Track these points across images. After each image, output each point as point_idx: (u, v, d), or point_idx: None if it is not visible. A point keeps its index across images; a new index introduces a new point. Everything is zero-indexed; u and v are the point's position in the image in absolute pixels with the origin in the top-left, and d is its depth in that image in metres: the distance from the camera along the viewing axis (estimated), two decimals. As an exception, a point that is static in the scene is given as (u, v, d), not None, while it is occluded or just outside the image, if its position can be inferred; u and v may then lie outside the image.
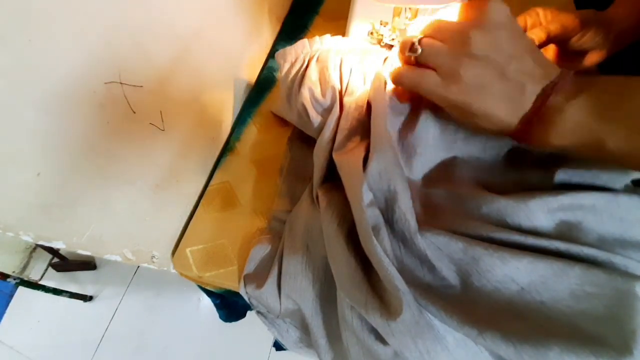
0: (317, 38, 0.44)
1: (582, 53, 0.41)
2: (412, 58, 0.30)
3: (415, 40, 0.30)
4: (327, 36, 0.45)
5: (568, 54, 0.40)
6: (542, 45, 0.38)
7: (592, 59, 0.41)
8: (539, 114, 0.27)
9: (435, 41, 0.29)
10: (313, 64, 0.42)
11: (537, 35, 0.37)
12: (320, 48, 0.43)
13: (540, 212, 0.29)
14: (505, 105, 0.28)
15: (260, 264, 0.41)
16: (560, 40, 0.38)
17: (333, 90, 0.40)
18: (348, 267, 0.32)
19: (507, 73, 0.27)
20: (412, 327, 0.26)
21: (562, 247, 0.27)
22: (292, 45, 0.44)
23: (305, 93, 0.41)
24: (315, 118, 0.41)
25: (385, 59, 0.41)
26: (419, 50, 0.29)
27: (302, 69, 0.43)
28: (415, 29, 0.32)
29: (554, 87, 0.27)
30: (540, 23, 0.39)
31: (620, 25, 0.40)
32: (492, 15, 0.27)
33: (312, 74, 0.42)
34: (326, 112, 0.41)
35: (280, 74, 0.44)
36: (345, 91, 0.41)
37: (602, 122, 0.25)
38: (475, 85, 0.28)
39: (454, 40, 0.28)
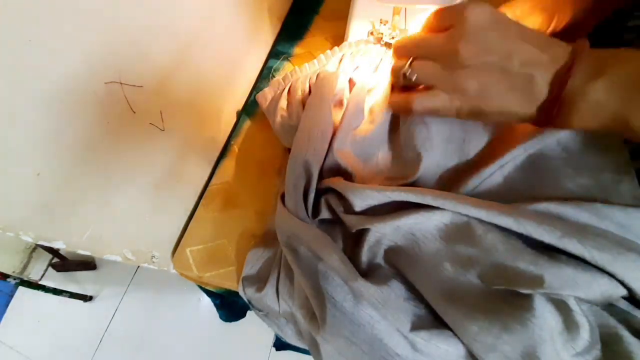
0: (288, 73, 0.47)
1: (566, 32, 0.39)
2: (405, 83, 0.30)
3: (406, 66, 0.29)
4: (312, 62, 0.47)
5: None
6: None
7: (574, 36, 0.39)
8: (558, 97, 0.26)
9: (426, 62, 0.29)
10: (284, 93, 0.47)
11: None
12: (291, 79, 0.47)
13: None
14: (516, 98, 0.27)
15: (260, 266, 0.41)
16: None
17: (298, 112, 0.43)
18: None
19: (509, 69, 0.27)
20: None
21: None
22: (269, 85, 0.48)
23: (278, 119, 0.46)
24: (290, 139, 0.44)
25: (369, 90, 0.42)
26: (414, 77, 0.29)
27: (276, 101, 0.47)
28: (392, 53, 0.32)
29: (570, 69, 0.26)
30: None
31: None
32: (473, 19, 0.26)
33: (282, 102, 0.46)
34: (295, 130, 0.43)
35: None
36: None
37: (625, 101, 0.25)
38: (479, 90, 0.27)
39: (443, 55, 0.28)
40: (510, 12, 0.38)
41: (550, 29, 0.37)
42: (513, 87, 0.27)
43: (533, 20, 0.37)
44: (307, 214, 0.36)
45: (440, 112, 0.30)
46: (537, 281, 0.25)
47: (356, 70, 0.44)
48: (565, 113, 0.26)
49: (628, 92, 0.25)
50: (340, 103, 0.42)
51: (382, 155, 0.38)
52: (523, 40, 0.27)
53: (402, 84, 0.31)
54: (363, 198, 0.32)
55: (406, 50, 0.30)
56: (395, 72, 0.31)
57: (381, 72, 0.43)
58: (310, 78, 0.45)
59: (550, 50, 0.26)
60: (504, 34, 0.27)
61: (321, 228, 0.35)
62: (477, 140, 0.35)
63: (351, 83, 0.43)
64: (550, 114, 0.27)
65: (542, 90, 0.27)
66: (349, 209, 0.34)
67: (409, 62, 0.29)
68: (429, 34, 0.29)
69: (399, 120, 0.38)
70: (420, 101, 0.30)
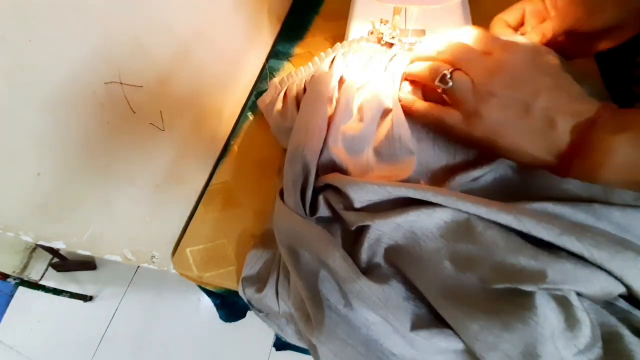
0: (284, 77, 0.47)
1: (598, 35, 0.36)
2: (440, 88, 0.30)
3: (447, 72, 0.29)
4: (308, 65, 0.47)
5: (581, 38, 0.36)
6: (552, 41, 0.35)
7: (606, 44, 0.36)
8: (581, 149, 0.26)
9: (465, 75, 0.29)
10: (280, 96, 0.47)
11: (540, 35, 0.35)
12: (287, 83, 0.47)
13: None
14: (534, 141, 0.27)
15: (260, 267, 0.41)
16: (569, 32, 0.36)
17: (292, 113, 0.43)
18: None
19: (532, 109, 0.27)
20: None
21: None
22: (268, 90, 0.49)
23: (272, 120, 0.46)
24: (285, 140, 0.44)
25: (358, 88, 0.42)
26: (450, 84, 0.29)
27: (273, 103, 0.48)
28: (433, 46, 0.32)
29: (594, 123, 0.26)
30: (547, 13, 0.36)
31: None
32: (516, 52, 0.27)
33: (278, 105, 0.47)
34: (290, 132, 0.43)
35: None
36: None
37: None
38: (497, 122, 0.28)
39: (479, 74, 0.28)
40: (531, 2, 0.37)
41: (587, 26, 0.35)
42: (532, 129, 0.27)
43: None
44: (305, 212, 0.36)
45: (450, 129, 0.31)
46: (539, 276, 0.25)
47: (346, 68, 0.44)
48: (590, 165, 0.26)
49: None
50: (330, 101, 0.42)
51: (372, 153, 0.38)
52: (556, 86, 0.27)
53: (430, 83, 0.32)
54: (363, 193, 0.32)
55: (452, 57, 0.30)
56: (436, 70, 0.31)
57: (370, 69, 0.43)
58: (305, 81, 0.45)
59: (579, 102, 0.27)
60: (538, 74, 0.27)
61: (319, 226, 0.35)
62: None
63: (341, 80, 0.43)
64: (570, 164, 0.27)
65: (563, 137, 0.26)
66: (348, 205, 0.34)
67: (452, 69, 0.30)
68: (478, 52, 0.30)
69: (387, 119, 0.38)
70: (435, 110, 0.32)
